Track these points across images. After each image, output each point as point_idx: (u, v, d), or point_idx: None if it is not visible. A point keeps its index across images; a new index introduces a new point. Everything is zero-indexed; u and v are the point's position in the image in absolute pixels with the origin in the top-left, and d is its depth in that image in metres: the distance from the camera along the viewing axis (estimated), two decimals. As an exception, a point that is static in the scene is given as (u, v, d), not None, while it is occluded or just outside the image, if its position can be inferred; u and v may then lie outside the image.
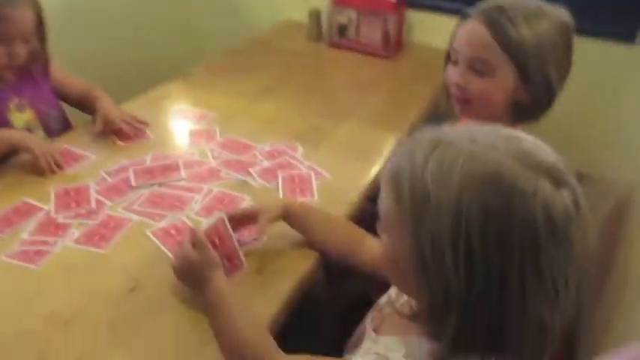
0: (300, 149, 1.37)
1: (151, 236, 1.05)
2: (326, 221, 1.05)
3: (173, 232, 1.07)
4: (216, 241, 0.90)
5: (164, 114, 1.51)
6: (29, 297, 0.91)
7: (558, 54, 0.99)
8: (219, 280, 0.86)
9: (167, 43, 2.47)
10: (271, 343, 0.78)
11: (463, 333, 0.59)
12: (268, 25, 2.24)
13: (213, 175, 1.25)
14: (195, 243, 0.87)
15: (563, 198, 0.57)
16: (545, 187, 0.57)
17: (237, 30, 2.34)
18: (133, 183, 1.20)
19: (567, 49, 1.01)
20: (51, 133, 1.42)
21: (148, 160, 1.29)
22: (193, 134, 1.43)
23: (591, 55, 1.75)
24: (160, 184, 1.20)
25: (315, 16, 2.08)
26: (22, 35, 1.26)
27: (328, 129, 1.47)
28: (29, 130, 1.36)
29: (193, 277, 0.88)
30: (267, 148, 1.37)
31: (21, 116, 1.35)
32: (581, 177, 0.61)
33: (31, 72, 1.39)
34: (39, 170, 1.22)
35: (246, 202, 1.16)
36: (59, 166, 1.24)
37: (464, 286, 0.57)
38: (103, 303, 0.90)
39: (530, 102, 1.01)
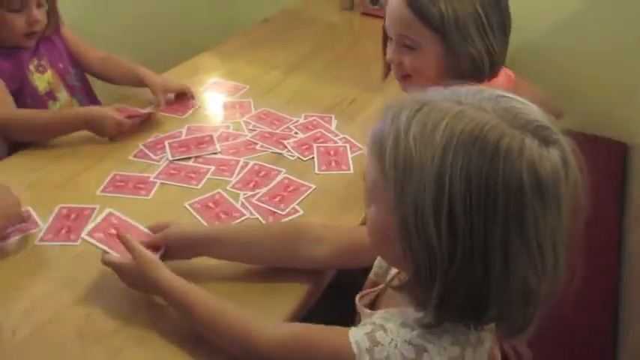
0: (335, 122, 1.36)
1: (189, 208, 1.07)
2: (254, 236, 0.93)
3: (211, 204, 1.08)
4: None
5: (198, 87, 1.51)
6: (71, 269, 0.94)
7: (482, 23, 0.98)
8: (166, 278, 0.80)
9: (198, 15, 2.45)
10: (251, 317, 0.77)
11: (448, 300, 0.58)
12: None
13: (248, 148, 1.25)
14: (127, 248, 0.83)
15: (551, 156, 0.56)
16: (532, 145, 0.55)
17: (269, 0, 2.31)
18: (169, 156, 1.21)
19: (497, 18, 0.99)
20: (73, 91, 1.42)
21: (184, 133, 1.30)
22: (228, 107, 1.43)
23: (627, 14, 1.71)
24: (196, 157, 1.21)
25: (348, -17, 2.04)
26: (37, 1, 1.27)
27: (362, 101, 1.46)
28: (52, 91, 1.36)
29: (140, 283, 0.84)
30: (302, 120, 1.36)
31: (42, 77, 1.35)
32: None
33: (44, 32, 1.37)
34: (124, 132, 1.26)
35: (282, 175, 1.16)
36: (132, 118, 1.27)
37: (447, 252, 0.56)
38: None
39: (467, 67, 1.00)
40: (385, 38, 1.08)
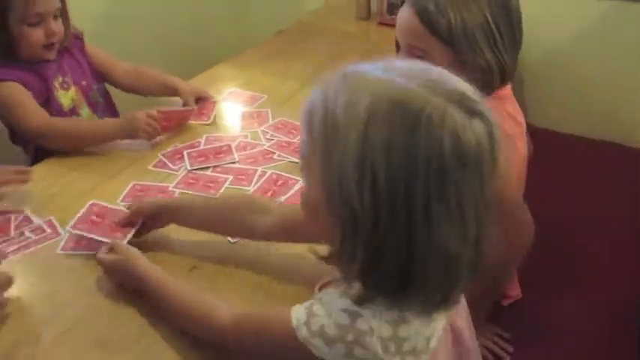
0: (352, 130, 1.36)
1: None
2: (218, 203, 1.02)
3: (229, 213, 1.08)
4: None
5: (216, 97, 1.53)
6: (97, 275, 0.94)
7: (492, 33, 0.98)
8: (144, 266, 0.86)
9: (214, 28, 2.48)
10: (216, 303, 0.79)
11: (372, 269, 0.59)
12: (317, 5, 2.22)
13: (266, 157, 1.26)
14: (114, 248, 0.90)
15: (474, 127, 0.56)
16: (455, 114, 0.56)
17: (286, 11, 2.33)
18: (188, 166, 1.22)
19: (506, 27, 0.99)
20: (95, 108, 1.44)
21: (202, 143, 1.31)
22: (245, 117, 1.44)
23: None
24: (214, 167, 1.22)
25: (365, -6, 2.05)
26: (52, 12, 1.29)
27: (379, 109, 1.46)
28: (75, 108, 1.38)
29: (126, 278, 0.88)
30: (319, 129, 1.36)
31: (66, 94, 1.37)
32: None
33: (67, 48, 1.41)
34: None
35: (299, 184, 1.16)
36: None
37: (370, 219, 0.56)
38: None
39: (476, 77, 1.00)
40: (398, 49, 1.09)
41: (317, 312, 0.65)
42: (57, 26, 1.31)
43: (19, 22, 1.26)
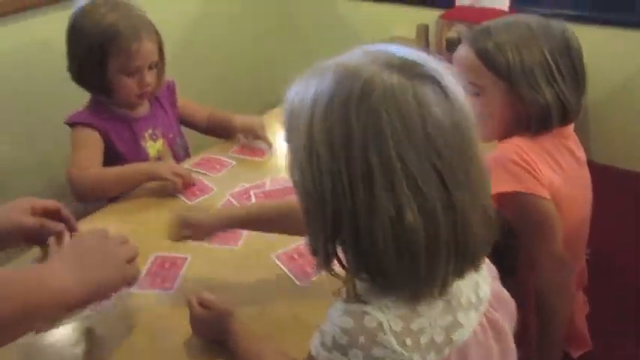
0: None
1: (275, 260, 1.09)
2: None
3: (295, 256, 1.10)
4: None
5: (280, 136, 1.55)
6: (166, 319, 0.97)
7: (551, 70, 0.98)
8: (236, 326, 0.87)
9: (278, 66, 2.55)
10: None
11: (338, 251, 0.61)
12: (376, 42, 2.25)
13: (330, 198, 1.27)
14: (201, 302, 0.90)
15: (416, 89, 0.57)
16: (393, 79, 0.57)
17: (350, 47, 2.37)
18: (255, 206, 1.25)
19: (567, 66, 0.99)
20: (177, 160, 1.51)
21: (268, 184, 1.35)
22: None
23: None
24: (280, 207, 1.25)
25: (423, 31, 2.08)
26: (149, 65, 1.36)
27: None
28: (160, 158, 1.46)
29: (213, 333, 0.89)
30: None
31: (154, 145, 1.45)
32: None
33: (160, 101, 1.50)
34: (170, 191, 1.30)
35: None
36: (186, 185, 1.31)
37: (320, 198, 0.58)
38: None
39: (535, 114, 0.99)
40: None
41: (325, 328, 0.63)
42: (151, 77, 1.38)
43: (118, 72, 1.33)
